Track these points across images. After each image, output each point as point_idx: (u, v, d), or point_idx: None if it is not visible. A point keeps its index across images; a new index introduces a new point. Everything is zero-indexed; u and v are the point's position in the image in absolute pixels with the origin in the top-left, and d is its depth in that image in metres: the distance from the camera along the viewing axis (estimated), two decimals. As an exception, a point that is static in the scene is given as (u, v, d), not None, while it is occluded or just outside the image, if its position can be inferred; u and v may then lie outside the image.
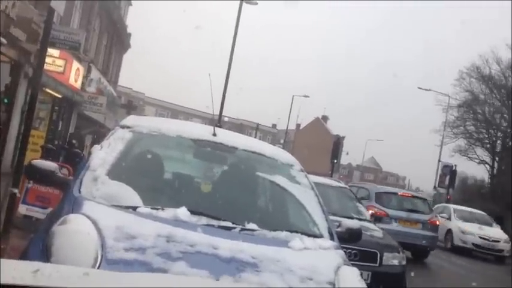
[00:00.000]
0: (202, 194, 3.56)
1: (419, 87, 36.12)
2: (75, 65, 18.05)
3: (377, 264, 6.52)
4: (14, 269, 1.01)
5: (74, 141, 13.48)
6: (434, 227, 13.34)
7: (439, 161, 33.24)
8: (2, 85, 13.41)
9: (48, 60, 11.98)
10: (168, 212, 2.79)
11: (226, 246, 2.55)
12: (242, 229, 2.89)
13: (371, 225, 7.63)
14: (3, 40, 11.29)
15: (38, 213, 7.25)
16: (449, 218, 18.45)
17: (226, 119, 40.75)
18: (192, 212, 2.84)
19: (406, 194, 14.84)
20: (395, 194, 14.19)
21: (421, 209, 13.64)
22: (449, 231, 17.94)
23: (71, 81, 17.96)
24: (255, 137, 32.14)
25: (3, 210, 6.92)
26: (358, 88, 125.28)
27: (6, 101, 13.55)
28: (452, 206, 20.04)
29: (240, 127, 58.99)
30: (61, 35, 15.03)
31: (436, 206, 20.63)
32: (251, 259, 2.53)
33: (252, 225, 2.95)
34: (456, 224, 17.99)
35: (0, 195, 7.57)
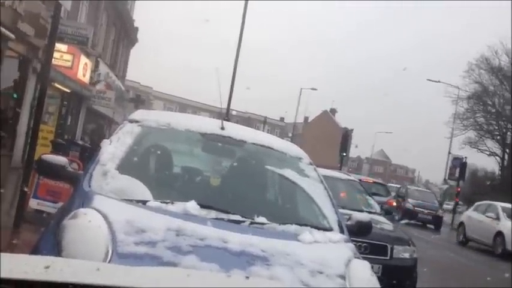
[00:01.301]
0: (211, 188, 3.56)
1: (428, 79, 35.97)
2: (83, 59, 18.10)
3: (388, 257, 6.50)
4: (26, 264, 1.01)
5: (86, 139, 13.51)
6: (391, 207, 15.78)
7: (449, 153, 33.13)
8: (11, 80, 13.48)
9: (56, 55, 12.01)
10: (178, 206, 2.79)
11: (236, 239, 2.55)
12: (252, 223, 2.89)
13: (381, 218, 7.60)
14: (12, 35, 11.33)
15: (49, 207, 7.31)
16: (497, 218, 15.86)
17: (234, 112, 40.77)
18: (202, 206, 2.84)
19: (368, 180, 18.10)
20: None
21: (381, 192, 17.03)
22: (499, 234, 15.24)
23: (79, 75, 18.02)
24: (263, 131, 32.15)
25: (15, 204, 6.97)
26: (367, 80, 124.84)
27: (15, 96, 13.62)
28: (498, 204, 16.94)
29: (247, 120, 59.02)
30: (69, 30, 15.07)
31: (477, 204, 18.54)
32: (261, 252, 2.52)
33: (261, 219, 2.94)
34: (508, 226, 15.05)
35: (11, 190, 7.63)
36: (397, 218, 16.74)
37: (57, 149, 9.39)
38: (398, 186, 31.06)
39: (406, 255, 6.68)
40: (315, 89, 49.06)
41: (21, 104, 13.60)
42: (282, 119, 74.12)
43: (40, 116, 7.27)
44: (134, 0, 31.38)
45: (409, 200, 23.76)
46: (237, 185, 3.50)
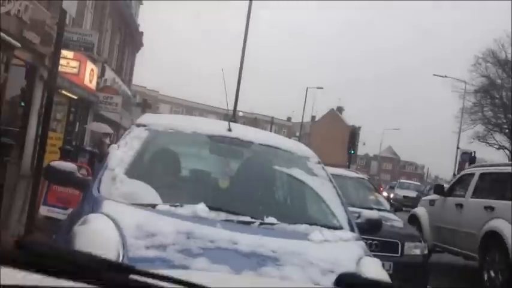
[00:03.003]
0: (220, 190, 3.56)
1: (435, 74, 35.89)
2: (90, 65, 18.18)
3: (398, 255, 6.48)
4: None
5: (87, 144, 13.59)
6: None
7: (458, 148, 32.95)
8: (18, 89, 13.56)
9: (62, 62, 12.06)
10: (187, 209, 2.79)
11: (246, 241, 2.55)
12: (261, 223, 2.88)
13: (391, 216, 7.58)
14: (17, 44, 11.40)
15: (59, 214, 7.34)
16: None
17: (240, 113, 40.78)
18: (211, 208, 2.84)
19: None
20: None
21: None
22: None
23: (86, 82, 18.10)
24: (270, 131, 32.14)
25: (25, 211, 7.01)
26: (373, 78, 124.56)
27: (22, 104, 13.70)
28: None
29: (254, 121, 59.02)
30: (74, 37, 15.14)
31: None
32: (271, 253, 2.52)
33: (271, 219, 2.94)
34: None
35: (21, 197, 7.66)
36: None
37: (65, 155, 9.44)
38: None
39: (417, 251, 6.65)
40: (321, 88, 49.15)
41: (29, 112, 13.67)
42: (289, 119, 74.09)
43: (48, 123, 7.30)
44: (139, 4, 31.48)
45: (397, 190, 27.23)
46: (245, 186, 3.50)
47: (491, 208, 8.33)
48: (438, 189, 10.70)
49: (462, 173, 11.34)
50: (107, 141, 14.68)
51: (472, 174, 9.69)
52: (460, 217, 9.21)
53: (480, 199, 8.91)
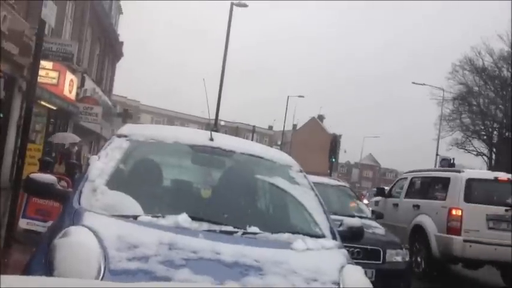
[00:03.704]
0: (202, 200, 3.55)
1: (413, 82, 36.23)
2: (69, 76, 18.03)
3: (380, 262, 6.51)
4: (17, 285, 1.00)
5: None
6: None
7: (437, 154, 33.29)
8: (-3, 100, 13.39)
9: (41, 72, 11.94)
10: (169, 219, 2.77)
11: (229, 250, 2.55)
12: (244, 233, 2.88)
13: (372, 223, 7.62)
14: (-4, 55, 11.26)
15: (39, 226, 7.23)
16: None
17: (222, 123, 40.78)
18: (193, 218, 2.83)
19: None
20: None
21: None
22: None
23: (66, 92, 17.94)
24: (252, 140, 32.13)
25: (4, 225, 6.90)
26: (353, 86, 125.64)
27: (1, 115, 13.52)
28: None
29: (236, 130, 59.00)
30: (53, 47, 15.01)
31: None
32: (254, 262, 2.52)
33: (253, 229, 2.94)
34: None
35: (0, 210, 7.55)
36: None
37: (45, 167, 9.31)
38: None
39: (399, 258, 6.70)
40: (302, 96, 49.24)
41: (8, 123, 13.50)
42: (270, 128, 74.24)
43: (27, 135, 7.23)
44: (118, 13, 31.36)
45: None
46: (228, 195, 3.49)
47: (418, 206, 10.06)
48: (380, 192, 12.55)
49: (398, 177, 13.26)
50: (74, 150, 14.57)
51: (406, 179, 11.54)
52: (396, 214, 10.80)
53: (410, 199, 10.60)
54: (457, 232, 8.79)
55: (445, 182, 9.69)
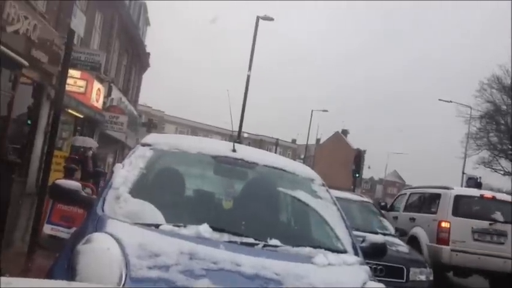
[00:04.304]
0: (224, 211, 3.54)
1: (440, 99, 35.80)
2: (96, 85, 18.32)
3: (404, 280, 6.40)
4: (17, 285, 1.01)
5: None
6: None
7: (463, 173, 32.73)
8: (25, 107, 13.66)
9: (69, 81, 12.18)
10: (191, 229, 2.78)
11: (250, 263, 2.53)
12: (265, 245, 2.86)
13: (396, 240, 7.52)
14: (25, 62, 11.52)
15: (63, 232, 7.31)
16: None
17: (245, 134, 40.75)
18: (214, 229, 2.82)
19: None
20: None
21: None
22: None
23: (93, 101, 18.22)
24: (275, 153, 32.07)
25: (29, 230, 7.00)
26: (378, 101, 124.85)
27: (29, 122, 13.78)
28: None
29: (259, 143, 59.06)
30: (82, 56, 15.30)
31: None
32: (275, 276, 2.49)
33: (274, 241, 2.92)
34: None
35: (26, 215, 7.65)
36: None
37: (70, 174, 9.44)
38: None
39: (423, 277, 6.58)
40: (326, 111, 48.95)
41: (35, 130, 13.75)
42: (294, 141, 74.07)
43: (54, 142, 7.33)
44: (146, 24, 31.83)
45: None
46: (249, 207, 3.47)
47: (414, 219, 11.05)
48: (382, 206, 13.06)
49: (399, 193, 14.41)
50: (89, 154, 14.67)
51: (405, 194, 12.83)
52: (396, 226, 11.59)
53: (408, 212, 11.66)
54: (446, 242, 9.75)
55: (436, 198, 10.66)
